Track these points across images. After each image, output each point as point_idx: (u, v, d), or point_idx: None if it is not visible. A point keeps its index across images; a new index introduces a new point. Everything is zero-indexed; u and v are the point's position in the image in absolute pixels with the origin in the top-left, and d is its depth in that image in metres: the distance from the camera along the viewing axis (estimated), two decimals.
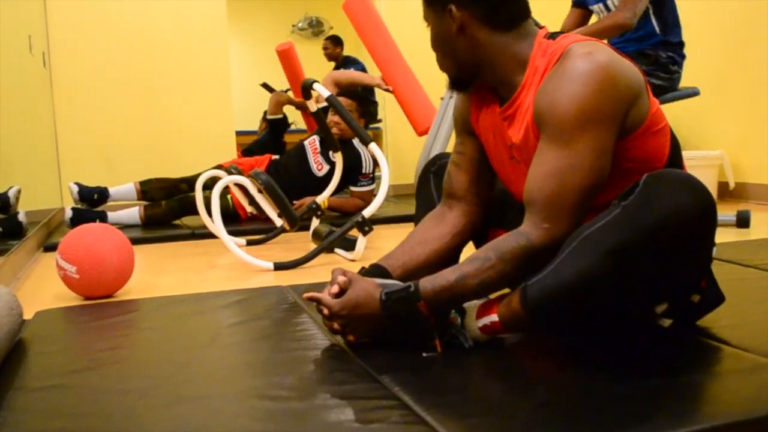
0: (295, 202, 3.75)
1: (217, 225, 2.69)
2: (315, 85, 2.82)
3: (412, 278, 1.43)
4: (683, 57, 3.13)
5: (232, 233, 2.78)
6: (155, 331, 1.76)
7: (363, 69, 5.90)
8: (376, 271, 1.56)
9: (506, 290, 1.43)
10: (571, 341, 1.48)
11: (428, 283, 1.37)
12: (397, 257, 1.60)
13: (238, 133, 5.21)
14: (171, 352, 1.56)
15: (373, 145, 2.77)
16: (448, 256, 1.62)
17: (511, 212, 1.63)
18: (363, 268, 1.58)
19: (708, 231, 1.28)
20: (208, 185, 3.17)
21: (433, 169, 1.79)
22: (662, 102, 3.05)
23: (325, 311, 1.44)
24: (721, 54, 4.17)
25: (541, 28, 1.49)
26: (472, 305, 1.44)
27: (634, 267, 1.23)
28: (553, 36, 1.44)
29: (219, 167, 3.80)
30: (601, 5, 3.12)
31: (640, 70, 1.41)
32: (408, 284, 1.39)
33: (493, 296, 1.44)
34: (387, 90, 4.16)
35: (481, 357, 1.39)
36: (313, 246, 2.85)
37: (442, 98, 3.71)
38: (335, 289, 1.46)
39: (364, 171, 3.98)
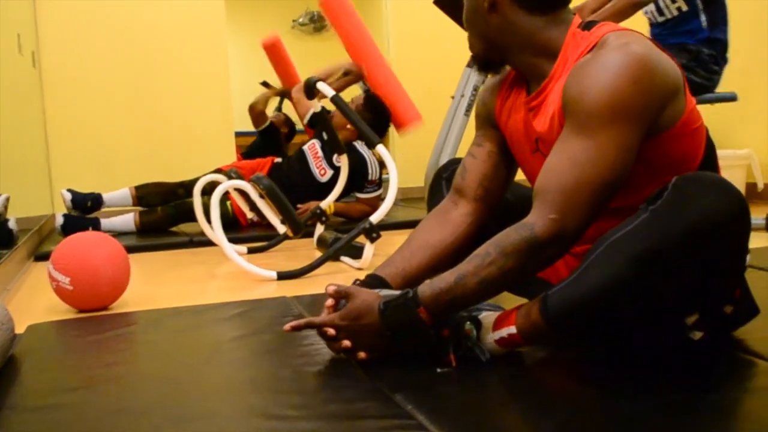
0: (299, 206, 3.69)
1: (216, 232, 2.62)
2: (319, 84, 2.76)
3: (414, 287, 1.35)
4: (726, 60, 3.03)
5: (232, 240, 2.71)
6: (153, 345, 1.71)
7: None
8: (373, 281, 1.48)
9: (524, 300, 1.36)
10: (593, 355, 1.42)
11: (427, 287, 1.32)
12: (396, 264, 1.53)
13: (238, 134, 5.13)
14: (171, 369, 1.50)
15: (380, 147, 2.70)
16: (452, 261, 1.51)
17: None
18: (357, 280, 1.50)
19: (741, 237, 1.24)
20: (207, 190, 3.10)
21: (446, 176, 1.71)
22: (698, 102, 2.98)
23: (329, 331, 1.37)
24: (749, 51, 4.08)
25: (573, 15, 1.42)
26: (489, 318, 1.37)
27: (663, 275, 1.18)
28: (588, 26, 1.38)
29: (218, 171, 3.76)
30: None
31: (679, 65, 1.35)
32: (406, 290, 1.33)
33: (509, 309, 1.37)
34: (360, 73, 3.99)
35: (498, 373, 1.32)
36: (317, 254, 2.80)
37: (452, 97, 3.61)
38: (330, 302, 1.40)
39: (370, 178, 3.90)
